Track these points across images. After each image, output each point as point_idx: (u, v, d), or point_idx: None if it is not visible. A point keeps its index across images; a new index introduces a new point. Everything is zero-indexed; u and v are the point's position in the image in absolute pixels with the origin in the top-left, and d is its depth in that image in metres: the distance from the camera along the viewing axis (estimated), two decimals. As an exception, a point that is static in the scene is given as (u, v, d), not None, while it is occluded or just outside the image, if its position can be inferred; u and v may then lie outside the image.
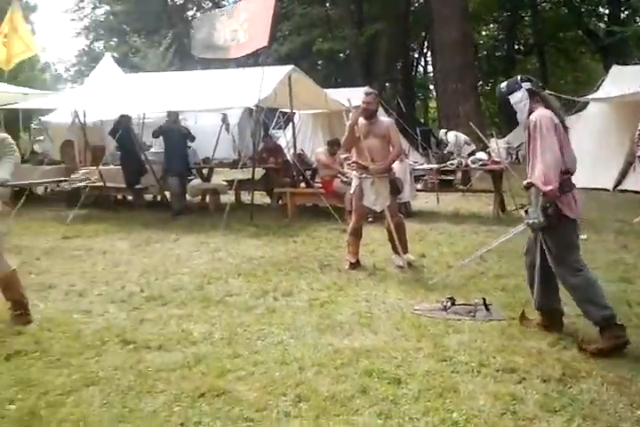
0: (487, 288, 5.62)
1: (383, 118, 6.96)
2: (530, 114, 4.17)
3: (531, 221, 4.11)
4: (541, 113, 4.11)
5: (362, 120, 6.47)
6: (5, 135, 5.13)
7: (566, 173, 4.10)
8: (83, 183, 10.74)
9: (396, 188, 6.63)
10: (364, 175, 6.53)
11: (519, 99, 4.23)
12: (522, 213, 4.39)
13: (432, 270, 6.40)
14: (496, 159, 10.71)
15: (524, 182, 4.20)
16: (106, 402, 3.45)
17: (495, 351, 4.08)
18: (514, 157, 18.74)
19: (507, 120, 4.61)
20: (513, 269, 6.14)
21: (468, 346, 4.19)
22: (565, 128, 4.18)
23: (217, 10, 10.53)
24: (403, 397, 3.45)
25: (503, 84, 4.40)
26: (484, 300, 4.94)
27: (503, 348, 4.14)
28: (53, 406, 3.41)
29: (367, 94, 6.51)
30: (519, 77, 4.37)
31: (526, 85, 4.26)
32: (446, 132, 15.73)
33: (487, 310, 4.86)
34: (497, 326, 4.57)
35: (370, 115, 6.46)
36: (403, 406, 3.35)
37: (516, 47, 36.11)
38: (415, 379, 3.68)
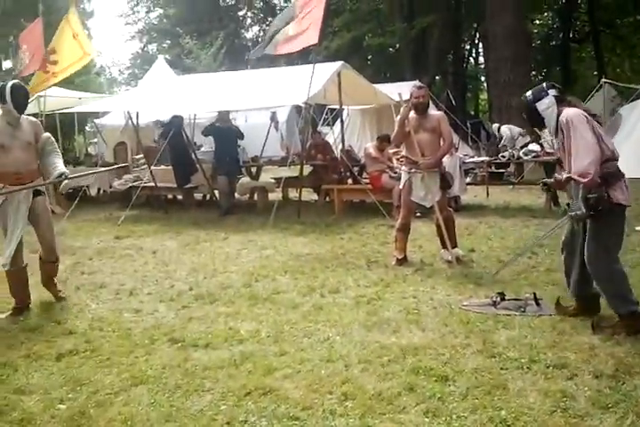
0: (538, 283, 5.50)
1: (433, 112, 6.85)
2: (558, 118, 4.19)
3: (573, 213, 4.12)
4: (569, 111, 4.15)
5: (412, 114, 6.38)
6: (49, 134, 5.37)
7: (612, 159, 4.11)
8: (136, 183, 10.95)
9: (446, 182, 6.52)
10: (413, 170, 6.44)
11: (547, 105, 4.28)
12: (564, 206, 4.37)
13: (481, 265, 6.28)
14: (548, 150, 10.46)
15: (563, 176, 4.16)
16: (153, 401, 3.48)
17: (546, 347, 3.97)
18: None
19: (537, 126, 4.66)
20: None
21: (517, 342, 4.09)
22: (599, 123, 4.20)
23: (276, 19, 10.36)
24: (450, 394, 3.39)
25: (529, 93, 4.45)
26: (535, 294, 4.83)
27: (554, 343, 4.03)
28: (103, 405, 3.45)
29: (418, 88, 6.46)
30: (544, 85, 4.43)
31: (552, 92, 4.31)
32: (499, 127, 15.45)
33: (538, 305, 4.75)
34: (548, 322, 4.46)
35: (422, 109, 6.37)
36: (450, 404, 3.28)
37: (571, 35, 35.15)
38: (463, 376, 3.61)
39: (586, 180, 3.91)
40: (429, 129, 6.39)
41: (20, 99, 5.08)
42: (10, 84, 5.07)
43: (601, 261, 4.13)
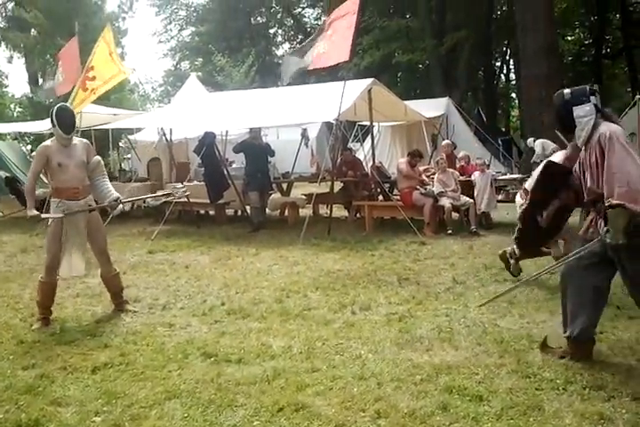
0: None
1: None
2: (593, 130, 3.88)
3: (609, 240, 3.73)
4: (613, 127, 3.82)
5: None
6: (99, 158, 5.73)
7: None
8: (169, 199, 11.03)
9: None
10: None
11: (585, 113, 3.91)
12: (601, 230, 4.02)
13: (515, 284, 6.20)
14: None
15: (612, 202, 3.68)
16: (187, 415, 3.50)
17: (582, 368, 3.92)
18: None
19: (562, 130, 4.21)
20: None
21: (552, 362, 4.04)
22: None
23: (310, 38, 10.51)
24: (484, 414, 3.36)
25: (567, 92, 4.06)
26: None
27: (590, 364, 3.98)
28: (137, 418, 3.49)
29: None
30: (587, 89, 4.03)
31: (594, 100, 3.94)
32: (534, 140, 15.33)
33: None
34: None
35: None
36: (484, 424, 3.25)
37: (604, 51, 34.86)
38: (497, 396, 3.57)
39: (638, 206, 3.58)
40: None
41: (67, 120, 5.45)
42: (56, 108, 5.46)
43: None
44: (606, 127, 3.83)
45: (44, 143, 5.48)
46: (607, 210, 3.69)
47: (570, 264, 4.16)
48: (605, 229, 3.77)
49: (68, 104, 5.73)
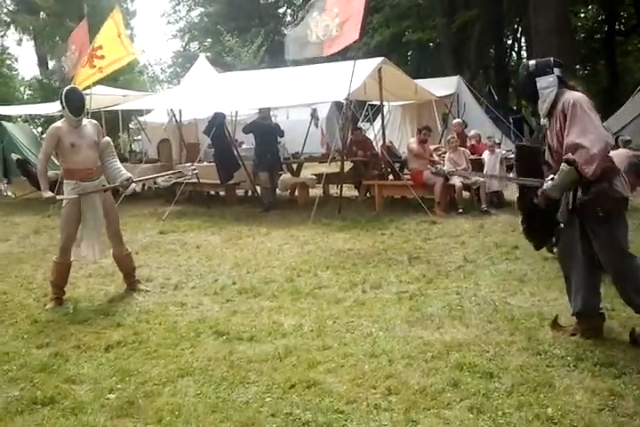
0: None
1: None
2: (555, 101, 3.90)
3: (545, 188, 3.82)
4: (576, 94, 3.86)
5: None
6: (109, 139, 5.77)
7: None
8: (180, 179, 11.05)
9: None
10: None
11: (548, 84, 3.95)
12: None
13: (526, 262, 6.20)
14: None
15: (569, 157, 3.72)
16: (200, 392, 3.54)
17: (592, 345, 3.92)
18: (613, 142, 17.86)
19: (527, 100, 4.32)
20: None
21: (563, 340, 4.05)
22: None
23: (307, 6, 10.44)
24: (495, 391, 3.38)
25: (532, 63, 4.10)
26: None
27: (601, 341, 3.98)
28: (150, 395, 3.53)
29: None
30: (552, 60, 4.05)
31: (557, 71, 3.97)
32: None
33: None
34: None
35: None
36: (495, 401, 3.27)
37: (617, 28, 34.33)
38: (508, 373, 3.59)
39: (591, 168, 3.63)
40: None
41: (76, 102, 5.46)
42: (65, 90, 5.48)
43: (622, 262, 3.91)
44: (569, 95, 3.86)
45: (54, 124, 5.48)
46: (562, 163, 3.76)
47: (560, 249, 4.26)
48: (550, 177, 3.84)
49: (77, 86, 5.72)
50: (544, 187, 3.87)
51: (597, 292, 4.14)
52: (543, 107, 3.99)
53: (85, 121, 5.54)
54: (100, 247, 5.60)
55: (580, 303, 4.09)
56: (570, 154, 3.74)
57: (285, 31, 42.03)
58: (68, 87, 5.57)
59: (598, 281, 4.15)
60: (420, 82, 13.21)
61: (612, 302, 4.62)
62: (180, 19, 43.45)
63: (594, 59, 33.41)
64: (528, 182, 4.18)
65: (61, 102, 5.38)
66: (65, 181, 5.48)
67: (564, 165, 3.75)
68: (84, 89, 11.40)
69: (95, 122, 5.72)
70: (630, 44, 34.43)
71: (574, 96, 3.84)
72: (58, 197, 5.49)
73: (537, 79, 3.99)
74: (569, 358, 3.73)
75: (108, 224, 5.62)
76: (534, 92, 4.00)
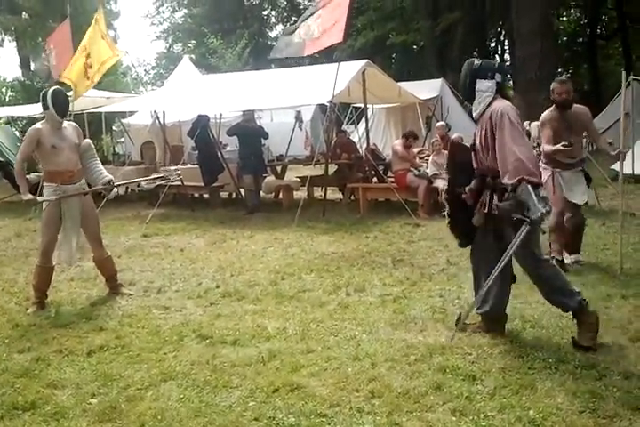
0: (588, 282, 5.44)
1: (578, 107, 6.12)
2: (488, 105, 3.98)
3: (534, 217, 3.73)
4: (506, 104, 3.95)
5: (555, 113, 5.89)
6: (89, 141, 5.71)
7: None
8: (163, 182, 11.00)
9: (589, 180, 6.17)
10: (558, 170, 5.97)
11: (486, 88, 4.01)
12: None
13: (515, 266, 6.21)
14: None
15: (514, 180, 3.74)
16: (183, 397, 3.53)
17: (574, 347, 3.95)
18: (594, 146, 18.03)
19: (463, 97, 4.51)
20: (593, 263, 6.02)
21: (545, 342, 4.09)
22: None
23: (302, 17, 10.46)
24: (477, 393, 3.40)
25: (477, 62, 4.11)
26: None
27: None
28: (133, 400, 3.51)
29: (561, 83, 5.87)
30: (496, 65, 4.15)
31: (498, 78, 4.02)
32: (530, 123, 15.27)
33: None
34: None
35: (568, 106, 5.84)
36: (477, 403, 3.29)
37: (598, 32, 34.68)
38: (490, 375, 3.61)
39: (535, 178, 3.71)
40: (578, 127, 5.95)
41: (62, 104, 5.42)
42: (51, 90, 5.41)
43: (537, 265, 4.03)
44: (499, 104, 3.93)
45: (34, 126, 5.41)
46: (514, 188, 3.77)
47: (475, 251, 4.34)
48: (528, 208, 3.76)
49: (62, 88, 5.66)
50: (534, 217, 3.78)
51: (507, 295, 4.27)
52: (479, 108, 4.05)
53: (65, 123, 5.49)
54: (79, 251, 5.54)
55: (488, 304, 4.23)
56: (508, 177, 3.78)
57: (270, 33, 42.19)
58: (53, 88, 5.49)
59: (509, 284, 4.25)
60: (404, 84, 13.26)
61: (593, 304, 4.64)
62: (164, 20, 43.32)
63: (576, 62, 33.76)
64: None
65: (45, 102, 5.30)
66: (45, 184, 5.44)
67: (520, 189, 3.75)
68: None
69: (75, 124, 5.68)
70: (611, 48, 34.79)
71: (503, 105, 3.91)
72: (39, 198, 5.44)
73: (477, 80, 4.04)
74: (550, 361, 3.75)
75: (88, 228, 5.56)
76: (472, 91, 4.06)
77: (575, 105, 5.91)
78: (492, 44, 36.83)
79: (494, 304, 4.23)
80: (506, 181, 3.80)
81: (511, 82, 24.79)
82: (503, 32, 34.58)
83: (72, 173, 5.39)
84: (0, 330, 4.83)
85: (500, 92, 4.04)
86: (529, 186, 3.71)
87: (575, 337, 3.99)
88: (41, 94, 5.43)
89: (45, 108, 5.33)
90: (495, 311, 4.27)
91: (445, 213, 4.46)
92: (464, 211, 4.24)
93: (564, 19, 35.72)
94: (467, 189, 4.15)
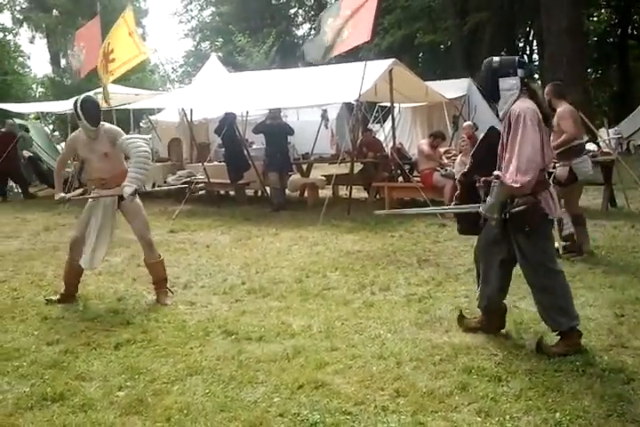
0: (594, 285, 5.39)
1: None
2: (512, 105, 3.83)
3: (484, 212, 3.87)
4: (526, 105, 3.78)
5: None
6: (123, 138, 5.39)
7: (542, 169, 3.83)
8: (190, 179, 11.11)
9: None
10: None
11: (510, 86, 3.84)
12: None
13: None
14: (606, 150, 10.21)
15: (498, 174, 3.78)
16: (208, 391, 3.55)
17: (602, 350, 3.92)
18: (624, 147, 17.84)
19: (488, 97, 4.40)
20: (622, 265, 5.93)
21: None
22: (550, 126, 3.94)
23: (324, 12, 10.48)
24: (503, 395, 3.37)
25: (496, 60, 3.95)
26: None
27: (610, 347, 3.97)
28: (159, 393, 3.54)
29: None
30: (516, 60, 3.94)
31: (521, 73, 3.86)
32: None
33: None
34: (604, 325, 4.37)
35: None
36: (503, 405, 3.26)
37: (629, 32, 34.18)
38: (516, 377, 3.58)
39: (517, 186, 3.65)
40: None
41: (92, 112, 5.26)
42: (80, 100, 5.28)
43: (545, 277, 3.91)
44: (520, 104, 3.80)
45: (73, 134, 5.53)
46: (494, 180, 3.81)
47: (480, 241, 4.26)
48: (488, 200, 3.86)
49: (91, 95, 5.69)
50: (481, 210, 3.92)
51: (504, 291, 4.24)
52: (504, 108, 3.90)
53: (101, 130, 5.30)
54: (98, 256, 5.32)
55: (485, 300, 4.23)
56: (499, 172, 3.79)
57: (297, 32, 42.25)
58: (82, 97, 5.32)
59: (507, 283, 4.21)
60: (431, 84, 13.18)
61: (621, 307, 4.62)
62: (192, 18, 43.56)
63: (606, 62, 33.31)
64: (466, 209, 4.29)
65: (77, 113, 5.18)
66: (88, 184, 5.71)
67: (497, 184, 3.79)
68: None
69: (109, 127, 5.44)
70: (643, 49, 34.27)
71: (523, 107, 3.77)
72: (67, 195, 5.57)
73: (500, 80, 3.87)
74: (577, 363, 3.71)
75: (134, 231, 5.49)
76: (496, 90, 3.90)
77: None
78: (521, 44, 36.52)
79: (491, 297, 4.20)
80: (505, 180, 3.75)
81: (539, 82, 24.55)
82: (532, 32, 34.29)
83: (104, 180, 5.39)
84: (29, 322, 4.91)
85: (527, 88, 3.90)
86: (501, 188, 3.74)
87: (547, 342, 3.95)
88: (72, 104, 5.37)
89: (78, 118, 5.24)
90: (493, 305, 4.23)
91: (455, 195, 4.46)
92: (474, 197, 4.21)
93: (595, 19, 35.26)
94: (482, 179, 4.08)
